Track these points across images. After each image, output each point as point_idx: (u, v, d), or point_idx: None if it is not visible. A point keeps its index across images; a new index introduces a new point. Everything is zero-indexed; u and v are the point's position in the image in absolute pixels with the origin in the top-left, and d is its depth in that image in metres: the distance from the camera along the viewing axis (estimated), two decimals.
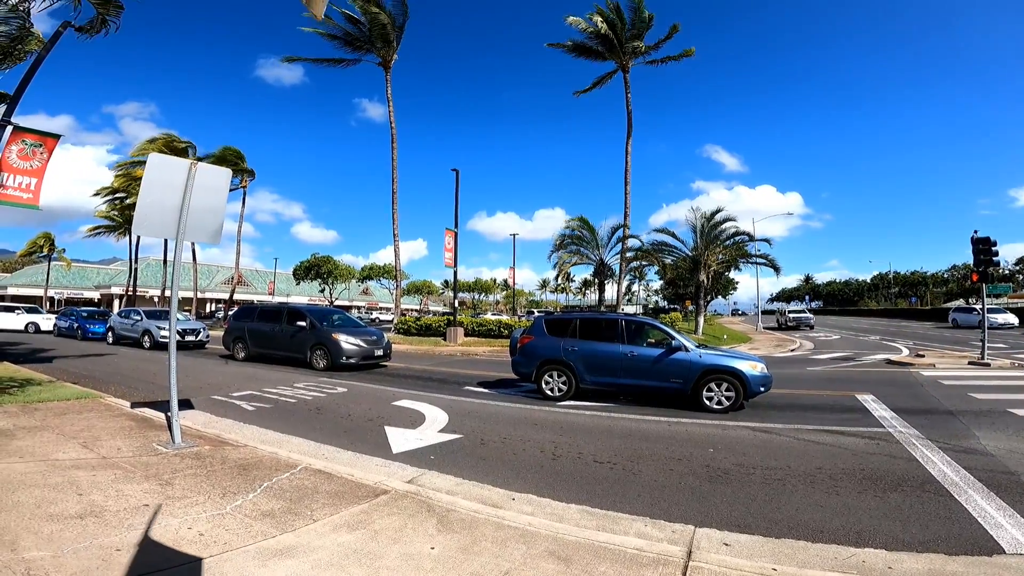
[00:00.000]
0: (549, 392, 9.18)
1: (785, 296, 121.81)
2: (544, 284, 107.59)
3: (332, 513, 3.55)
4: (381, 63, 28.79)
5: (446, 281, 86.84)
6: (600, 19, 26.60)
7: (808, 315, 39.72)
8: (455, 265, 25.37)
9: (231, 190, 35.48)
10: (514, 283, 56.02)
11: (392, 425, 6.92)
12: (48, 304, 49.18)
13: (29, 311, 28.18)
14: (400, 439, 6.22)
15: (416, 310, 75.55)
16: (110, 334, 20.46)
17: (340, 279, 59.61)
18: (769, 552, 3.23)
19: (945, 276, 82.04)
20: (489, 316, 37.16)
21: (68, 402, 7.17)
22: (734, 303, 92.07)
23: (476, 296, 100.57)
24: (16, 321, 26.61)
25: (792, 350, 21.44)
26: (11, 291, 57.78)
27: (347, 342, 12.95)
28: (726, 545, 3.29)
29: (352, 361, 12.87)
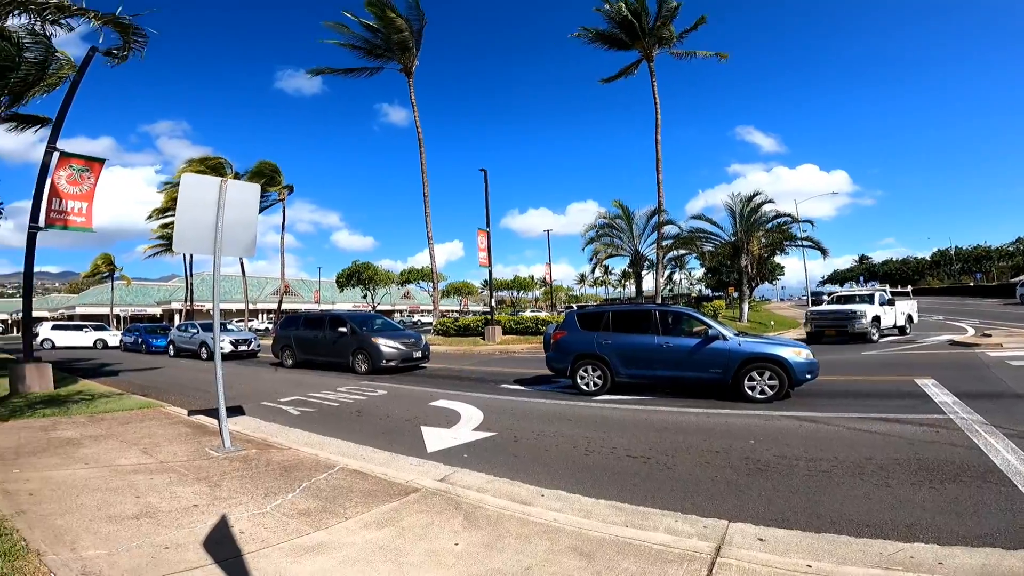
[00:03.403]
0: (584, 387, 9.11)
1: (838, 278, 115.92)
2: (582, 278, 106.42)
3: (363, 511, 3.66)
4: (403, 69, 29.04)
5: (485, 281, 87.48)
6: (623, 5, 26.04)
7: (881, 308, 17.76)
8: (489, 264, 25.54)
9: (269, 205, 37.14)
10: (551, 279, 55.77)
11: (428, 425, 7.06)
12: (114, 321, 52.70)
13: (96, 328, 30.34)
14: (435, 438, 6.33)
15: (456, 311, 76.43)
16: (171, 347, 21.75)
17: (381, 284, 61.07)
18: (807, 547, 3.09)
19: (1011, 249, 75.87)
20: (527, 313, 37.14)
21: (131, 412, 7.68)
22: (782, 287, 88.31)
23: (515, 294, 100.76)
24: (85, 338, 28.70)
25: None
26: (79, 310, 62.33)
27: (386, 345, 13.28)
28: (760, 540, 3.17)
29: (392, 364, 13.19)
